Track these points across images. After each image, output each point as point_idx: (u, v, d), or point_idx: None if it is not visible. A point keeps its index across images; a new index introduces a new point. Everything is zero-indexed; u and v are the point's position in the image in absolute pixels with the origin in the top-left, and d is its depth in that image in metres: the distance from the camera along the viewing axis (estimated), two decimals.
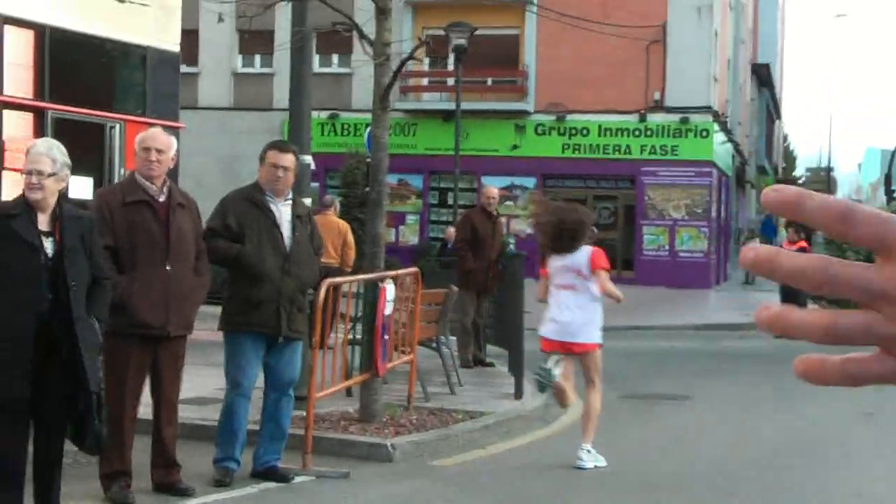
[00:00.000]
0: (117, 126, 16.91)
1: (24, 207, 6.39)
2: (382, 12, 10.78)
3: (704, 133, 33.41)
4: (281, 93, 30.69)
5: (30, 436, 6.47)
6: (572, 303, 9.38)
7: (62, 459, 6.65)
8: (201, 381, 11.06)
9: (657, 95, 33.35)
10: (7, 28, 15.35)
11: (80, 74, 16.46)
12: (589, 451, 9.53)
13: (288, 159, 8.53)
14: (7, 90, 15.42)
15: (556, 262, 9.49)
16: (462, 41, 27.10)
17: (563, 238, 9.40)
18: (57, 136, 14.20)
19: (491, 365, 15.18)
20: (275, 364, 8.41)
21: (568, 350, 9.48)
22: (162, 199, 7.82)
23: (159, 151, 7.82)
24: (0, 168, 15.31)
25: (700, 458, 10.40)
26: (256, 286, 8.18)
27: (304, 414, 8.95)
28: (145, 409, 8.00)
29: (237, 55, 36.05)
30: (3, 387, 6.25)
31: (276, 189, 8.43)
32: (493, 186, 17.63)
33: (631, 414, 10.96)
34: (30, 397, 6.28)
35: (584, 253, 9.43)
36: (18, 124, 15.74)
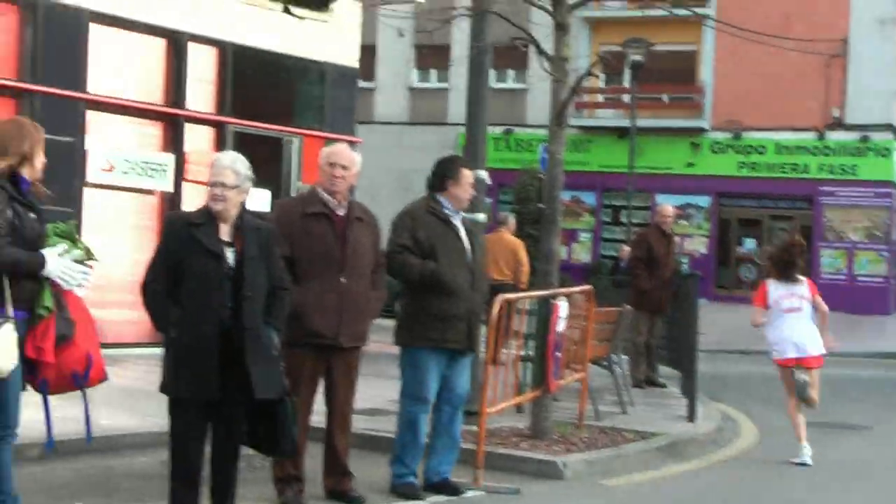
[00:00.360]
0: (295, 140, 17.21)
1: (208, 217, 6.53)
2: (561, 28, 10.71)
3: (885, 152, 32.42)
4: (456, 107, 30.90)
5: (208, 437, 6.61)
6: (801, 323, 10.88)
7: (238, 462, 6.77)
8: (373, 393, 11.13)
9: (836, 112, 32.50)
10: (191, 45, 15.78)
11: (260, 90, 16.82)
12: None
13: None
14: (190, 105, 15.85)
15: (780, 291, 10.93)
16: (638, 57, 26.91)
17: (789, 270, 10.97)
18: (237, 149, 14.49)
19: (663, 386, 14.95)
20: (451, 378, 8.39)
21: (803, 364, 10.84)
22: (341, 212, 7.90)
23: (344, 168, 7.92)
24: (181, 180, 15.72)
25: (881, 490, 10.02)
26: (449, 302, 8.15)
27: (474, 428, 8.92)
28: (319, 417, 8.07)
29: (413, 70, 36.42)
30: (193, 388, 6.42)
31: (463, 206, 8.48)
32: (668, 205, 17.40)
33: (812, 442, 10.64)
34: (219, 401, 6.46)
35: (804, 282, 11.09)
36: (200, 138, 16.16)
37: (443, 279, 8.12)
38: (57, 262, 6.16)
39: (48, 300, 6.17)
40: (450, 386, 8.40)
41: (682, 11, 22.93)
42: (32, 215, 6.21)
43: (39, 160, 6.32)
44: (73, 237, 6.38)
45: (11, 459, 6.30)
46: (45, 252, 6.14)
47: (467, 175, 8.49)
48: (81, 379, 6.39)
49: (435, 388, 8.32)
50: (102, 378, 6.52)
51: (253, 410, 6.56)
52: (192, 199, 15.31)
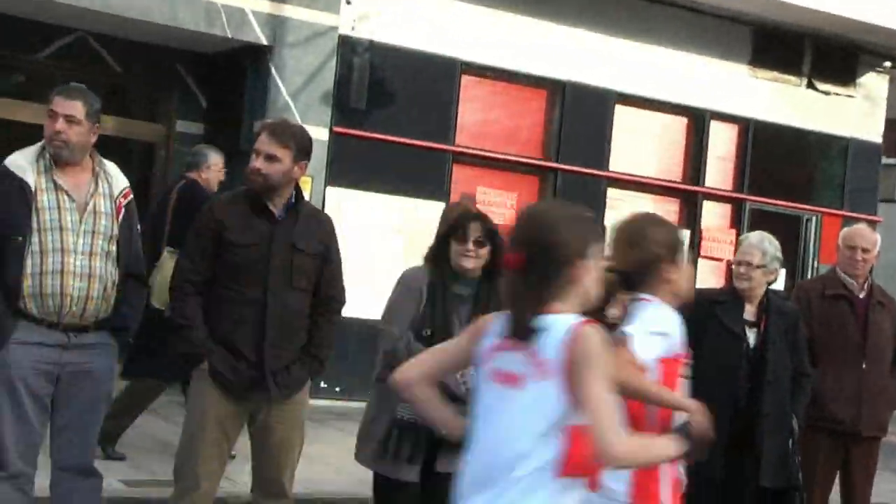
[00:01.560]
0: (813, 218, 16.90)
1: (732, 296, 6.58)
2: None
3: None
4: None
5: None
6: None
7: None
8: (881, 486, 10.62)
9: None
10: (714, 123, 15.94)
11: (778, 166, 16.66)
12: None
13: None
14: (708, 182, 15.99)
15: None
16: None
17: None
18: (753, 226, 14.44)
19: None
20: None
21: None
22: (861, 295, 7.72)
23: (864, 250, 7.74)
24: (696, 256, 15.86)
25: None
26: None
27: None
28: None
29: None
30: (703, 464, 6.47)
31: None
32: None
33: None
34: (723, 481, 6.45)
35: None
36: (717, 214, 16.24)
37: None
38: None
39: None
40: None
41: None
42: None
43: None
44: None
45: None
46: None
47: None
48: None
49: None
50: None
51: (760, 498, 6.49)
52: (706, 276, 15.42)
